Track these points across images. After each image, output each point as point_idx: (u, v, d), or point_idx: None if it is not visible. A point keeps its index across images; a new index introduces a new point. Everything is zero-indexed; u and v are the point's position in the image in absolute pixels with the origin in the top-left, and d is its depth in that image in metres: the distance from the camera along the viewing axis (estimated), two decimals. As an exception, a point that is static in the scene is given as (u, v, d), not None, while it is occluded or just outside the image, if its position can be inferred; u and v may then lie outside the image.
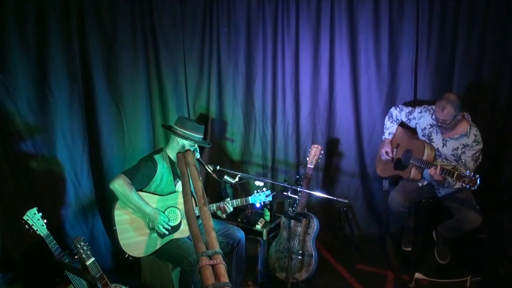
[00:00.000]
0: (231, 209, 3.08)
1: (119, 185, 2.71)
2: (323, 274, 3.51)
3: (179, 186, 3.00)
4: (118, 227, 2.79)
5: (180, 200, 2.93)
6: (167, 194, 2.92)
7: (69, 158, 3.29)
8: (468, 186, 2.84)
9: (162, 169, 2.91)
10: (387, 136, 3.62)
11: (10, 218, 3.05)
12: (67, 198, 3.28)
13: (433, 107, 3.35)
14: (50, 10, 3.05)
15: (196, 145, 2.98)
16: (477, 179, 2.80)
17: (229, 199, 3.10)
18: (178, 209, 2.93)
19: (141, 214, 2.84)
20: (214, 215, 3.18)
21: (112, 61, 3.44)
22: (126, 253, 2.81)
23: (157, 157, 2.92)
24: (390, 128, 3.61)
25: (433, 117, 3.26)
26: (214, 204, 3.03)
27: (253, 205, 3.18)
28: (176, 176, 2.99)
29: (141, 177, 2.82)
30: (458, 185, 2.97)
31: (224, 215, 3.09)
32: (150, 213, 2.79)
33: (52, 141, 3.18)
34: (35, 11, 3.01)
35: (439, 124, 3.17)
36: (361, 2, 3.81)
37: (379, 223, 4.21)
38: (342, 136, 4.11)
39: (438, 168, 3.02)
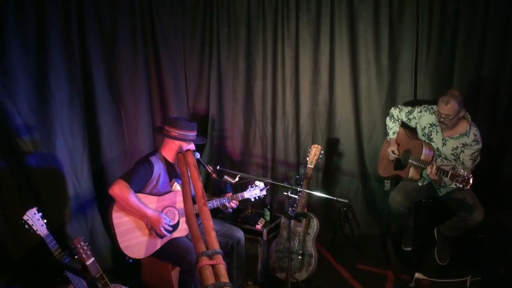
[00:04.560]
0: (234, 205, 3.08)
1: (119, 190, 2.69)
2: (323, 274, 3.51)
3: (175, 186, 3.00)
4: (117, 230, 2.77)
5: (177, 199, 2.92)
6: (163, 194, 2.92)
7: (69, 158, 3.29)
8: (461, 186, 2.85)
9: (159, 170, 2.90)
10: (391, 135, 3.62)
11: (10, 218, 3.05)
12: (67, 198, 3.27)
13: (434, 106, 3.36)
14: (50, 10, 3.04)
15: (192, 143, 2.97)
16: (470, 178, 2.81)
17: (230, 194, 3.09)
18: (176, 208, 2.93)
19: (140, 216, 2.83)
20: (217, 212, 3.19)
21: (112, 61, 3.44)
22: (126, 256, 2.80)
23: (153, 158, 2.89)
24: (393, 127, 3.61)
25: (435, 113, 3.24)
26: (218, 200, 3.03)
27: (248, 200, 3.16)
28: (172, 177, 2.98)
29: (138, 180, 2.80)
30: (453, 184, 2.98)
31: (230, 210, 3.09)
32: (151, 216, 2.78)
33: (52, 141, 3.18)
34: (35, 11, 3.01)
35: (442, 119, 3.16)
36: (361, 2, 3.82)
37: (379, 223, 4.21)
38: (342, 136, 4.11)
39: (434, 167, 3.03)
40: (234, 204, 3.07)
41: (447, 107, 3.09)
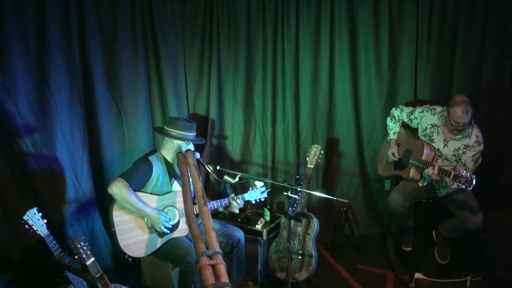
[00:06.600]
0: (238, 207, 3.08)
1: (118, 188, 2.69)
2: (323, 274, 3.51)
3: (175, 186, 3.00)
4: (117, 228, 2.78)
5: (178, 199, 2.93)
6: (164, 194, 2.92)
7: (69, 158, 3.29)
8: (464, 186, 2.85)
9: (158, 169, 2.90)
10: (392, 136, 3.61)
11: (10, 218, 3.05)
12: (67, 198, 3.27)
13: (435, 107, 3.36)
14: (50, 10, 3.04)
15: (191, 143, 2.98)
16: (473, 179, 2.81)
17: (233, 194, 3.09)
18: (176, 208, 2.93)
19: (140, 214, 2.83)
20: (217, 212, 3.19)
21: (112, 61, 3.44)
22: (126, 254, 2.81)
23: (152, 158, 2.90)
24: (394, 128, 3.61)
25: (450, 121, 3.17)
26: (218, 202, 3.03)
27: (249, 202, 3.17)
28: (172, 176, 2.98)
29: (138, 179, 2.81)
30: (455, 185, 2.98)
31: (236, 210, 3.10)
32: (150, 214, 2.79)
33: (52, 141, 3.18)
34: (35, 11, 3.01)
35: (460, 128, 3.14)
36: (361, 2, 3.82)
37: (379, 223, 4.21)
38: (342, 136, 4.11)
39: (436, 168, 3.02)
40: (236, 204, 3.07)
41: (468, 116, 3.07)
